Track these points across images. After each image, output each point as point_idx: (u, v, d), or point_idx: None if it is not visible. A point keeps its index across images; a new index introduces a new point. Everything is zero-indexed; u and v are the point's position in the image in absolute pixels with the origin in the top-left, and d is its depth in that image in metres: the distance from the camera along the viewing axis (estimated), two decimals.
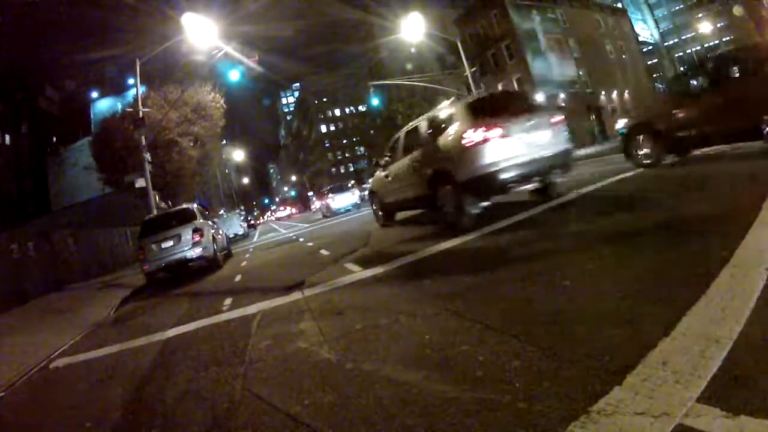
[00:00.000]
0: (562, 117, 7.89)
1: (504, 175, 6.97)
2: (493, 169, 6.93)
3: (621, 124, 12.75)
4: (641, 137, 9.62)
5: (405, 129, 10.05)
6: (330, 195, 29.65)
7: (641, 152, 9.70)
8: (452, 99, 9.19)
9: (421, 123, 9.06)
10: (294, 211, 53.78)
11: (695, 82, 8.73)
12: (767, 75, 7.29)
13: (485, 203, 7.62)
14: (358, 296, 5.06)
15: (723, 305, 2.44)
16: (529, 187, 8.24)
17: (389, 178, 10.34)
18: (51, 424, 3.58)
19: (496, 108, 7.62)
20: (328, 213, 29.31)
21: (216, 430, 2.58)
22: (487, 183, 7.01)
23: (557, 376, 2.15)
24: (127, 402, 3.49)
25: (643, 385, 1.88)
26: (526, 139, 7.18)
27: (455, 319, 3.34)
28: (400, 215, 12.12)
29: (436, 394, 2.27)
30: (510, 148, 7.03)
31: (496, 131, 6.97)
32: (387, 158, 10.62)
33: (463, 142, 7.08)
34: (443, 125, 7.97)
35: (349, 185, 35.47)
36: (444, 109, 8.42)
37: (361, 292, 5.22)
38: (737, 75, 7.75)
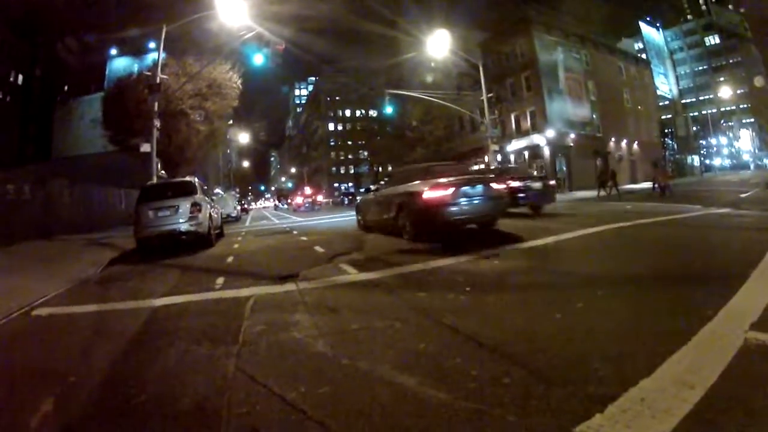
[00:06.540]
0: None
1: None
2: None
3: None
4: None
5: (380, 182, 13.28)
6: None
7: None
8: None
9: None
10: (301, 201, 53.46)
11: None
12: None
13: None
14: (354, 297, 5.13)
15: (701, 358, 2.63)
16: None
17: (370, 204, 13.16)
18: (31, 373, 3.48)
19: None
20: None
21: (209, 405, 2.57)
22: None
23: (545, 396, 2.30)
24: (114, 363, 3.46)
25: (623, 416, 2.05)
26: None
27: (450, 333, 3.45)
28: None
29: (431, 399, 2.38)
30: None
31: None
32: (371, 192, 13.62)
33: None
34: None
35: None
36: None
37: (357, 294, 5.30)
38: None
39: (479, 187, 9.70)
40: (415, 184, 10.19)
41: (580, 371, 2.57)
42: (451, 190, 9.40)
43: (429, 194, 9.43)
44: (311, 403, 2.45)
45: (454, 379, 2.62)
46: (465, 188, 9.55)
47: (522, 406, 2.21)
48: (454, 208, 9.33)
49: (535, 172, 18.58)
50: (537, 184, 15.53)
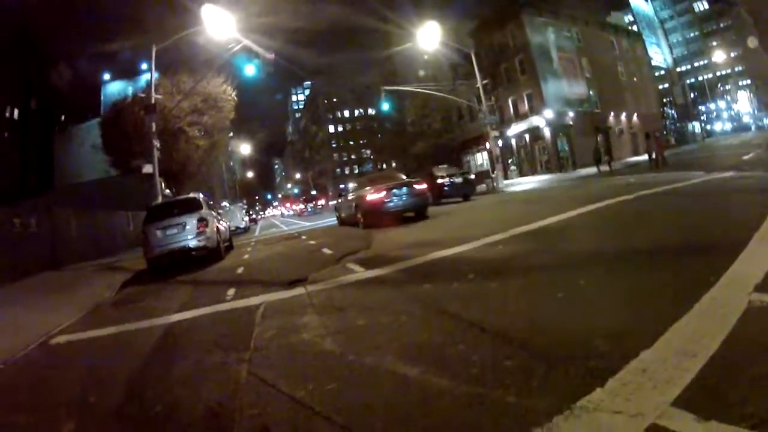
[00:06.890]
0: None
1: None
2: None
3: None
4: None
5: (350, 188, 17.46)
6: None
7: None
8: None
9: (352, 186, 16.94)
10: (302, 207, 56.16)
11: None
12: None
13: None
14: (360, 295, 5.20)
15: (703, 325, 2.61)
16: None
17: (342, 206, 18.01)
18: (53, 397, 3.56)
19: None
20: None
21: (222, 410, 2.66)
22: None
23: (546, 376, 2.33)
24: (131, 380, 3.53)
25: (623, 389, 2.05)
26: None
27: (453, 322, 3.49)
28: None
29: (433, 387, 2.44)
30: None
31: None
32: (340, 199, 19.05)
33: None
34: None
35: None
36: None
37: (363, 292, 5.36)
38: None
39: (404, 189, 13.76)
40: (364, 190, 14.48)
41: (582, 348, 2.57)
42: (384, 192, 13.51)
43: (370, 196, 13.71)
44: (319, 400, 2.52)
45: (457, 365, 2.66)
46: (394, 190, 13.59)
47: (523, 387, 2.24)
48: (389, 204, 13.39)
49: (468, 167, 23.14)
50: (458, 179, 21.37)
